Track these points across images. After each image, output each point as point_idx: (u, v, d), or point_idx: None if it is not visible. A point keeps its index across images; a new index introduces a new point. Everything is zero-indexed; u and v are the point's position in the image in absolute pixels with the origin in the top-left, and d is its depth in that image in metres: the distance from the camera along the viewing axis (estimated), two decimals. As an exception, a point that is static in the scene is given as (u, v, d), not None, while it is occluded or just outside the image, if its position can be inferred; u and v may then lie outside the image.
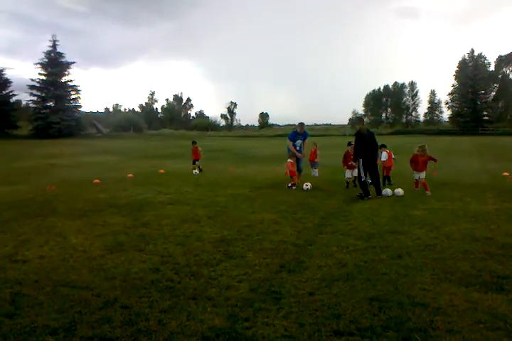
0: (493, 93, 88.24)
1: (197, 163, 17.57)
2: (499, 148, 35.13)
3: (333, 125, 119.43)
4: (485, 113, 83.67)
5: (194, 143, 18.21)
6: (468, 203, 9.90)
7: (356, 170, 11.45)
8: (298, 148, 13.23)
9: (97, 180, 14.24)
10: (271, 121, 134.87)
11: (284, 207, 9.47)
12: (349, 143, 12.77)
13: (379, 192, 10.97)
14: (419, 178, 11.65)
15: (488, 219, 8.14)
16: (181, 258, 5.76)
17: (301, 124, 13.57)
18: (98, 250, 6.19)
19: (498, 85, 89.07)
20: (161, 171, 17.23)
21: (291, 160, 12.69)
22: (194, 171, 16.98)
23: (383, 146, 13.21)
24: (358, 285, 4.77)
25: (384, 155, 13.06)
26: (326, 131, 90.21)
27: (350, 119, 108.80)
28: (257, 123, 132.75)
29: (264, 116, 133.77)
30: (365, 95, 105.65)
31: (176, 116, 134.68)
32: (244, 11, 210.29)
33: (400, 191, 11.13)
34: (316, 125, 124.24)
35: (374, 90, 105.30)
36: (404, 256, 5.79)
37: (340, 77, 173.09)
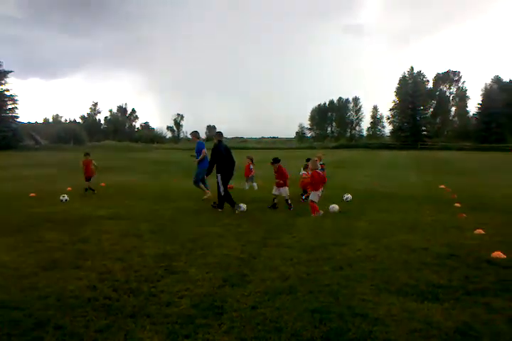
0: (432, 109, 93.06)
1: (87, 182, 14.19)
2: (437, 161, 36.88)
3: (280, 138, 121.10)
4: (424, 128, 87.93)
5: (87, 155, 14.41)
6: (406, 214, 10.27)
7: (283, 188, 11.05)
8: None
9: (33, 194, 13.59)
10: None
11: (229, 220, 9.42)
12: (275, 161, 11.45)
13: (221, 206, 10.89)
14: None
15: (425, 230, 8.48)
16: (120, 274, 5.55)
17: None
18: (31, 267, 5.86)
19: (435, 102, 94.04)
20: (102, 184, 16.70)
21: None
22: (87, 191, 14.09)
23: (308, 160, 13.43)
24: (300, 297, 4.79)
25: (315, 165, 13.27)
26: (273, 144, 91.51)
27: (296, 133, 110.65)
28: (204, 136, 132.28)
29: (211, 129, 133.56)
30: (311, 109, 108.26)
31: (120, 127, 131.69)
32: (190, 22, 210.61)
33: (334, 207, 10.70)
34: (263, 138, 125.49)
35: (320, 105, 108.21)
36: (345, 268, 5.89)
37: (287, 91, 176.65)
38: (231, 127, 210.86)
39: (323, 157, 14.98)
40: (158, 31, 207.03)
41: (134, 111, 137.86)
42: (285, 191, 11.05)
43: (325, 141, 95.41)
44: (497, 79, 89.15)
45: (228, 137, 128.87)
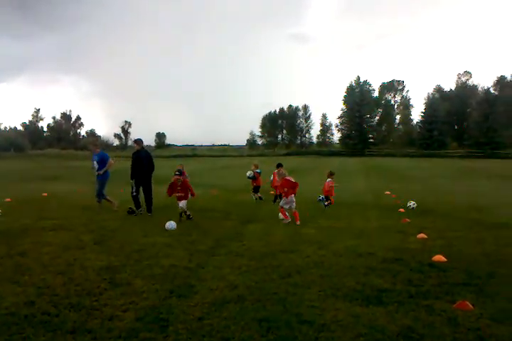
0: (378, 117, 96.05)
1: None
2: (382, 168, 38.04)
3: (231, 146, 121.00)
4: (370, 136, 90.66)
5: None
6: (353, 220, 10.49)
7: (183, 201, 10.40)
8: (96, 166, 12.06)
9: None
10: (168, 141, 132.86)
11: (177, 229, 9.24)
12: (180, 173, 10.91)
13: (149, 210, 11.47)
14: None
15: (371, 235, 8.68)
16: (61, 288, 5.30)
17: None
18: (-37, 284, 5.49)
19: (381, 110, 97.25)
20: (44, 194, 16.02)
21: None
22: None
23: (280, 166, 13.59)
24: (248, 306, 4.74)
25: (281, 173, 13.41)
26: (224, 151, 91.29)
27: (247, 140, 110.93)
28: (153, 143, 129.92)
29: (160, 136, 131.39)
30: (262, 117, 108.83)
31: (64, 135, 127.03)
32: (139, 26, 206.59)
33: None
34: (214, 145, 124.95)
35: (270, 112, 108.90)
36: (294, 275, 5.90)
37: (238, 98, 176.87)
38: (182, 135, 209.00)
39: (259, 164, 15.12)
40: (101, 34, 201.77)
41: (78, 118, 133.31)
42: (184, 204, 10.25)
43: (276, 149, 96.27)
44: (438, 89, 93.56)
45: (178, 145, 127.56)
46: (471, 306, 4.69)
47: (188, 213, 10.46)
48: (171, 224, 9.28)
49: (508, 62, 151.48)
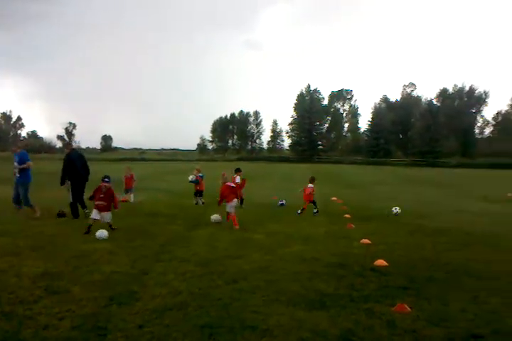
0: (327, 125, 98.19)
1: None
2: (330, 174, 38.82)
3: (181, 150, 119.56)
4: (320, 142, 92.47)
5: None
6: (301, 226, 10.60)
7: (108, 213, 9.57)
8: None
9: None
10: (114, 144, 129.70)
11: (121, 234, 8.97)
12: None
13: (77, 213, 11.11)
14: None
15: (317, 241, 8.81)
16: (-8, 297, 5.00)
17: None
18: None
19: (330, 118, 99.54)
20: (-18, 198, 15.14)
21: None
22: None
23: (238, 170, 13.91)
24: (191, 312, 4.66)
25: (237, 179, 13.55)
26: (174, 156, 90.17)
27: (198, 145, 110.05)
28: (99, 146, 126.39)
29: (106, 139, 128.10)
30: (213, 122, 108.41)
31: (4, 136, 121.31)
32: (83, 26, 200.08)
33: (216, 217, 10.91)
34: (163, 149, 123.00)
35: (221, 117, 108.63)
36: (239, 280, 5.87)
37: (189, 103, 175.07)
38: (129, 138, 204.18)
39: (201, 169, 15.11)
40: (42, 32, 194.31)
41: (19, 118, 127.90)
42: (109, 216, 9.42)
43: (226, 154, 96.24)
44: (385, 99, 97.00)
45: (126, 148, 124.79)
46: (409, 309, 4.83)
47: (111, 225, 9.44)
48: (102, 233, 8.61)
49: (450, 75, 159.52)
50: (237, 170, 13.85)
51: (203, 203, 14.34)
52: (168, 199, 16.32)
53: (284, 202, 14.97)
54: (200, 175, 14.62)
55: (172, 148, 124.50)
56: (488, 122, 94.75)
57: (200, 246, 8.06)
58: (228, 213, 10.48)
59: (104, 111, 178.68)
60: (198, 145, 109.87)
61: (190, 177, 14.52)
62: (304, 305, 4.96)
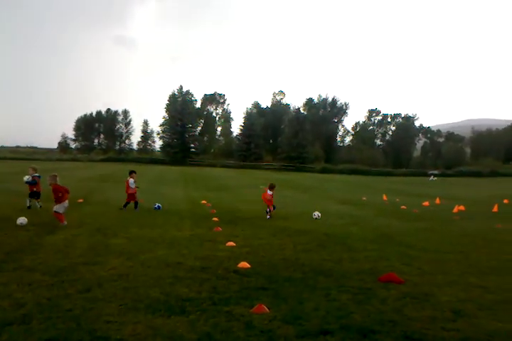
0: (200, 128, 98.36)
1: None
2: (202, 177, 38.95)
3: (39, 148, 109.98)
4: (192, 145, 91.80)
5: None
6: (167, 230, 10.37)
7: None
8: None
9: None
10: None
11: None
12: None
13: None
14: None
15: (183, 245, 8.67)
16: None
17: None
18: None
19: (203, 121, 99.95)
20: None
21: None
22: None
23: (133, 172, 14.11)
24: (35, 326, 4.22)
25: (131, 182, 13.76)
26: (30, 154, 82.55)
27: (59, 143, 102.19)
28: None
29: None
30: (76, 119, 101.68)
31: None
32: None
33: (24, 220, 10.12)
34: (19, 147, 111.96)
35: (86, 115, 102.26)
36: (94, 289, 5.49)
37: (50, 98, 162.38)
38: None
39: (39, 168, 14.11)
40: None
41: None
42: None
43: (91, 153, 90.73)
44: (256, 105, 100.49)
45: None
46: (267, 309, 4.94)
47: None
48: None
49: (316, 86, 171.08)
50: (131, 172, 14.23)
51: (40, 207, 13.15)
52: (19, 201, 14.79)
53: (159, 205, 14.47)
54: (37, 174, 13.40)
55: (30, 145, 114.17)
56: (348, 131, 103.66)
57: (52, 253, 7.41)
58: (56, 212, 10.20)
59: None
60: (60, 143, 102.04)
61: (26, 178, 13.24)
62: (163, 312, 4.80)
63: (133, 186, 14.01)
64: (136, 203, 14.06)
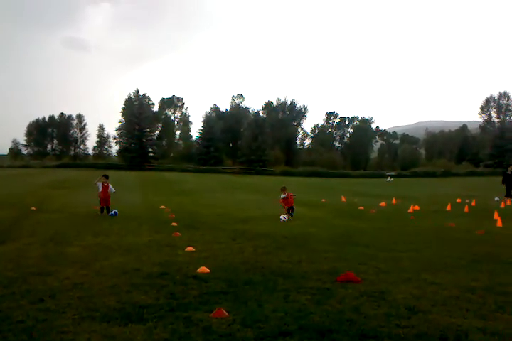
0: (158, 132, 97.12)
1: None
2: (161, 182, 38.49)
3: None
4: (150, 150, 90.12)
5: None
6: (124, 236, 10.17)
7: None
8: None
9: None
10: None
11: None
12: None
13: None
14: None
15: (141, 251, 8.52)
16: None
17: None
18: None
19: (161, 125, 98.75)
20: None
21: None
22: None
23: (105, 177, 14.52)
24: (-17, 341, 4.04)
25: (111, 187, 14.25)
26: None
27: (10, 149, 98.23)
28: None
29: None
30: (28, 124, 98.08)
31: None
32: None
33: None
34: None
35: (38, 119, 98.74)
36: (47, 299, 5.31)
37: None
38: None
39: None
40: None
41: None
42: None
43: (44, 159, 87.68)
44: (215, 108, 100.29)
45: None
46: (226, 313, 4.91)
47: None
48: None
49: (274, 89, 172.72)
50: (105, 177, 14.66)
51: None
52: None
53: (116, 211, 14.20)
54: None
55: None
56: (307, 134, 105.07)
57: (3, 263, 7.12)
58: None
59: None
60: (10, 149, 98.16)
61: None
62: (120, 320, 4.69)
63: (113, 191, 14.53)
64: (108, 208, 14.32)
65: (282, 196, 14.07)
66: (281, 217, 14.00)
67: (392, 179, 60.96)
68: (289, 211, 14.19)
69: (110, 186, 14.30)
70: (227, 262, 7.72)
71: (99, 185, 14.31)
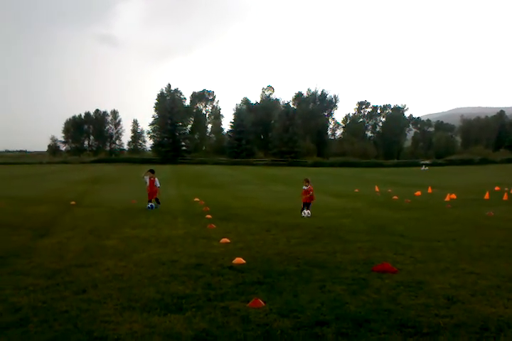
0: (190, 126, 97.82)
1: None
2: (194, 175, 38.90)
3: (29, 152, 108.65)
4: (183, 143, 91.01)
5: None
6: (160, 229, 10.37)
7: None
8: None
9: None
10: None
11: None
12: None
13: None
14: None
15: (176, 243, 8.68)
16: None
17: None
18: None
19: (193, 119, 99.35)
20: None
21: None
22: None
23: (151, 171, 14.73)
24: (32, 329, 4.23)
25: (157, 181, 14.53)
26: (20, 158, 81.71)
27: (49, 146, 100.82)
28: None
29: None
30: (65, 121, 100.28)
31: None
32: None
33: None
34: (8, 151, 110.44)
35: (74, 117, 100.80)
36: (89, 290, 5.50)
37: (37, 101, 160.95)
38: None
39: None
40: None
41: None
42: None
43: (82, 155, 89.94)
44: (246, 101, 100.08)
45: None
46: (262, 303, 4.97)
47: None
48: None
49: (304, 80, 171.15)
50: (151, 172, 14.93)
51: None
52: (9, 206, 14.76)
53: (152, 204, 14.47)
54: None
55: (19, 149, 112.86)
56: (339, 124, 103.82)
57: (45, 256, 7.41)
58: None
59: None
60: (49, 146, 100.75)
61: None
62: (159, 310, 4.81)
63: (158, 185, 14.88)
64: (157, 199, 14.83)
65: (304, 188, 13.82)
66: (304, 212, 13.56)
67: (427, 168, 59.72)
68: (304, 206, 13.44)
69: (156, 180, 14.54)
70: (261, 253, 7.77)
71: (147, 179, 14.59)
